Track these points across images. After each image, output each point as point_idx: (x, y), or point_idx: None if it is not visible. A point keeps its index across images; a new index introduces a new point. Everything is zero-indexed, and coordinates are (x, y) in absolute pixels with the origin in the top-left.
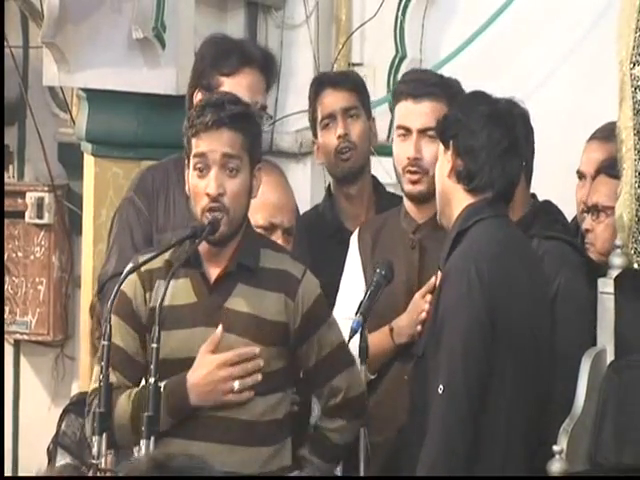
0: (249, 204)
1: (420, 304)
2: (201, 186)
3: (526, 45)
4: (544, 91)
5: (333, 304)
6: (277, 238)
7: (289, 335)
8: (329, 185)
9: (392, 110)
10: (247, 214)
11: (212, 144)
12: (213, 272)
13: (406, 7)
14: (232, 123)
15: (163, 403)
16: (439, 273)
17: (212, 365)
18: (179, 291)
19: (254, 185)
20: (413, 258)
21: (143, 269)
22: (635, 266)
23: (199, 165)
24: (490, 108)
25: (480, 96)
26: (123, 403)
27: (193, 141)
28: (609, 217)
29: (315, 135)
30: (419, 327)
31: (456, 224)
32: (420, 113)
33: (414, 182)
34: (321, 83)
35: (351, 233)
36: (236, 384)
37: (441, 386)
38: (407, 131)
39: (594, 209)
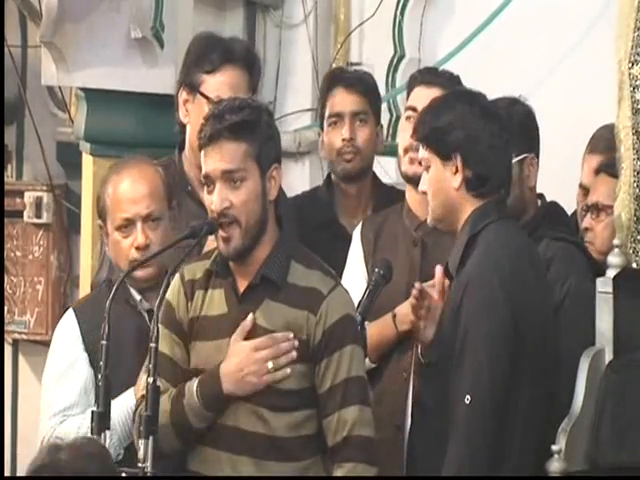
0: (265, 209)
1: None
2: (209, 202)
3: (524, 44)
4: (542, 90)
5: None
6: (139, 231)
7: (309, 352)
8: (329, 174)
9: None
10: (267, 220)
11: (213, 162)
12: (242, 284)
13: (404, 7)
14: (231, 134)
15: (199, 398)
16: (438, 270)
17: (246, 350)
18: (214, 301)
19: (269, 187)
20: (415, 255)
21: (187, 279)
22: (634, 266)
23: (206, 184)
24: (480, 107)
25: (467, 97)
26: (164, 403)
27: (201, 156)
28: (609, 216)
29: (322, 128)
30: (422, 323)
31: (465, 229)
32: (430, 97)
33: (412, 162)
34: (334, 80)
35: (344, 228)
36: (270, 364)
37: (468, 397)
38: (414, 111)
39: (594, 208)
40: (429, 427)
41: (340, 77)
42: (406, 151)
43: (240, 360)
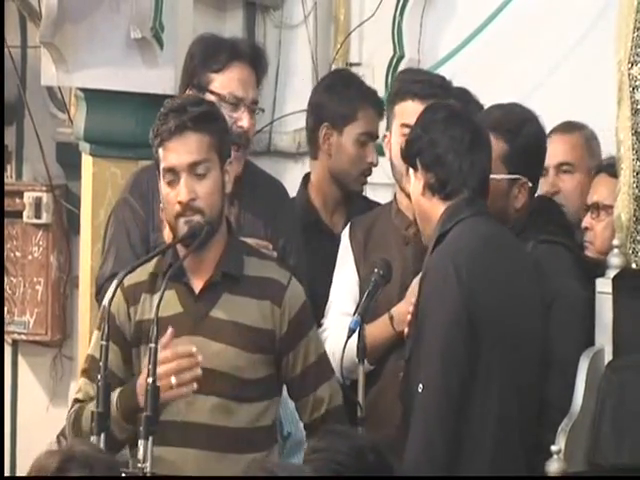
0: (224, 202)
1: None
2: (172, 195)
3: (524, 45)
4: (542, 91)
5: (315, 294)
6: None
7: (275, 342)
8: (307, 175)
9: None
10: (223, 214)
11: (178, 156)
12: (197, 282)
13: (404, 7)
14: (196, 125)
15: (118, 409)
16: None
17: None
18: (166, 303)
19: (226, 180)
20: (407, 254)
21: (127, 284)
22: (633, 266)
23: (169, 176)
24: (445, 113)
25: (435, 107)
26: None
27: (160, 151)
28: (609, 216)
29: (388, 130)
30: (406, 329)
31: (437, 227)
32: None
33: None
34: (369, 96)
35: (326, 224)
36: (173, 379)
37: (420, 385)
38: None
39: (594, 208)
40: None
41: (372, 94)
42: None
43: (144, 376)
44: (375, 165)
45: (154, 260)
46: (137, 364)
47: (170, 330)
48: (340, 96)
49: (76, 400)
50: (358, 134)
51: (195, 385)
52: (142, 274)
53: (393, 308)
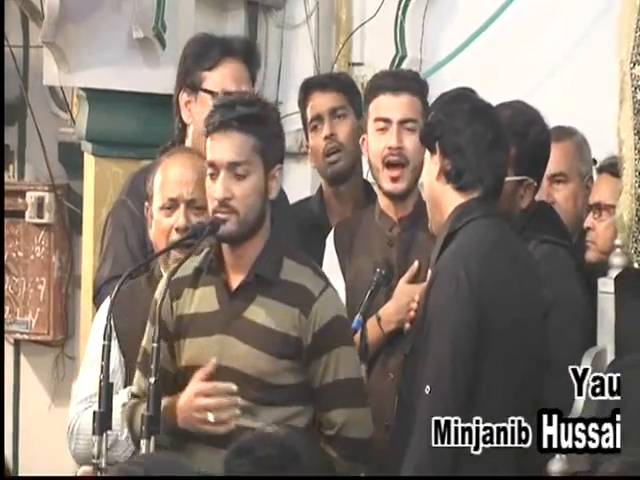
0: (264, 206)
1: (406, 292)
2: (212, 190)
3: (526, 45)
4: (543, 91)
5: None
6: (181, 213)
7: (302, 351)
8: (321, 185)
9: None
10: (264, 217)
11: (220, 151)
12: (235, 280)
13: (406, 7)
14: (241, 125)
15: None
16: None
17: (192, 392)
18: (205, 299)
19: (271, 186)
20: (391, 255)
21: (173, 278)
22: (635, 266)
23: (210, 171)
24: (471, 105)
25: (460, 95)
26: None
27: (207, 142)
28: (611, 216)
29: (307, 138)
30: (407, 325)
31: (446, 225)
32: (400, 105)
33: (395, 179)
34: (309, 86)
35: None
36: (210, 416)
37: (428, 387)
38: (387, 122)
39: (596, 207)
40: (405, 422)
41: (313, 81)
42: (384, 163)
43: (187, 399)
44: (327, 135)
45: (201, 255)
46: (183, 356)
47: (213, 361)
48: (298, 107)
49: (132, 395)
50: (310, 126)
51: (233, 424)
52: (188, 268)
53: (380, 309)
